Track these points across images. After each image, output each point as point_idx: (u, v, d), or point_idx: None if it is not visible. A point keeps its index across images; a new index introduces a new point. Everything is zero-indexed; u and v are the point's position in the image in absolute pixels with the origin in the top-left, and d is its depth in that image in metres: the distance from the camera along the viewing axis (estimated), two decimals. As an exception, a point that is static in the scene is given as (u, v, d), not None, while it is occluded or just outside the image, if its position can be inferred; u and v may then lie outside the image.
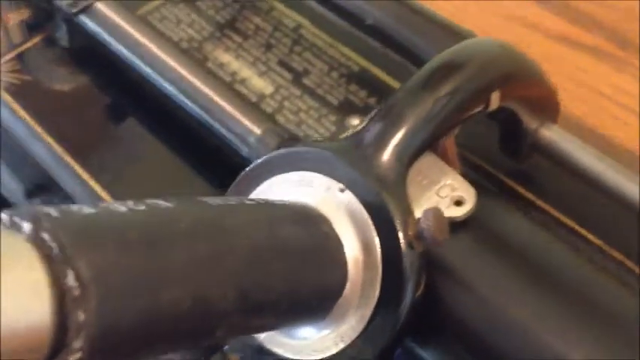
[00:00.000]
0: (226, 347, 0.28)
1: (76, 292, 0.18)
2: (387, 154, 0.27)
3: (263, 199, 0.26)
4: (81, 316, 0.18)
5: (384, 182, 0.26)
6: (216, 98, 0.34)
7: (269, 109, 0.37)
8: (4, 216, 0.19)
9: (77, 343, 0.18)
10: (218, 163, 0.34)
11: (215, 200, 0.23)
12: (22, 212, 0.19)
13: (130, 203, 0.20)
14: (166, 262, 0.20)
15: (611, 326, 0.26)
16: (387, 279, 0.26)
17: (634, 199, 0.30)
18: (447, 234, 0.25)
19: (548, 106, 0.33)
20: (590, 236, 0.32)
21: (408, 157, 0.27)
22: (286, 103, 0.37)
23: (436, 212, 0.25)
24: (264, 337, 0.27)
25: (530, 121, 0.32)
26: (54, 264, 0.18)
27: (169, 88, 0.35)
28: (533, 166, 0.34)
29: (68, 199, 0.35)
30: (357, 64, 0.38)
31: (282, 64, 0.39)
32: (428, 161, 0.28)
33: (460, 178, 0.28)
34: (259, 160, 0.28)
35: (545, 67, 0.32)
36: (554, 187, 0.34)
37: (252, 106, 0.35)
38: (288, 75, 0.38)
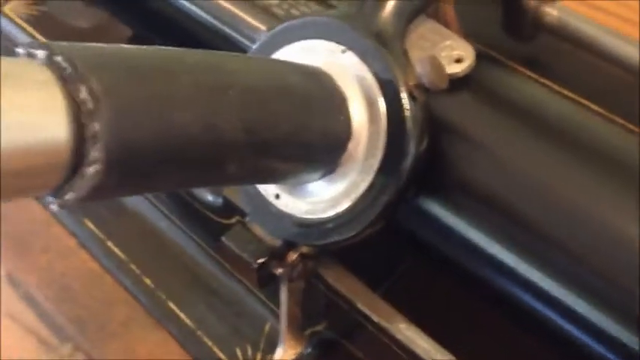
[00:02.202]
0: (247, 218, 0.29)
1: (90, 105, 0.19)
2: (385, 13, 0.28)
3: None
4: (96, 126, 0.19)
5: (383, 38, 0.27)
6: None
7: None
8: (20, 49, 0.20)
9: (95, 153, 0.19)
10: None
11: (221, 52, 0.24)
12: (36, 44, 0.20)
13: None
14: (174, 87, 0.21)
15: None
16: (391, 132, 0.27)
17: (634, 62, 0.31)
18: (445, 80, 0.26)
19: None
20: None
21: (407, 14, 0.28)
22: (293, 11, 0.38)
23: (432, 59, 0.26)
24: (280, 202, 0.28)
25: (531, -2, 0.33)
26: (67, 81, 0.19)
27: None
28: (537, 47, 0.35)
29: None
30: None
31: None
32: (428, 27, 0.29)
33: (459, 39, 0.29)
34: (263, 38, 0.30)
35: None
36: (558, 67, 0.34)
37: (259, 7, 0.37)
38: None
